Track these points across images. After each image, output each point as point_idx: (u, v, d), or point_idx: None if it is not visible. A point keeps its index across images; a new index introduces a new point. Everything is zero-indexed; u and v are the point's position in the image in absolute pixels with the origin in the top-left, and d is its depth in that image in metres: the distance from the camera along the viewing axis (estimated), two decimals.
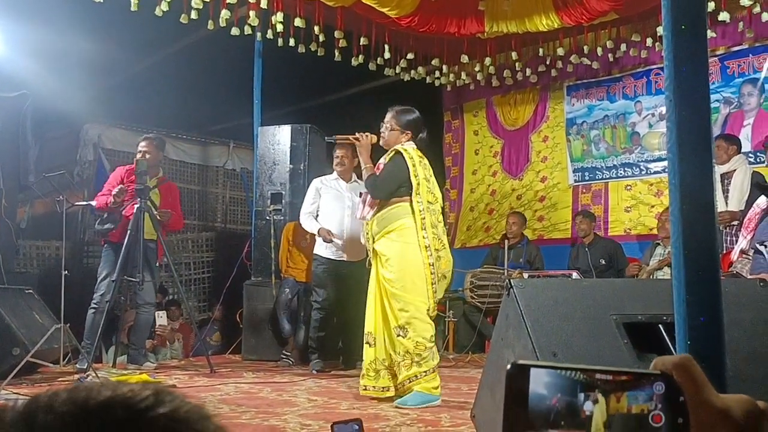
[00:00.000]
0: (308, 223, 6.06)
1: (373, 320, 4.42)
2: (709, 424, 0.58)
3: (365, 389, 4.41)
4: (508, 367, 0.62)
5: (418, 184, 4.34)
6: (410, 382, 4.23)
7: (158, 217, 5.85)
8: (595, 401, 0.59)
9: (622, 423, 0.59)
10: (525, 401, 0.60)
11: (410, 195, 4.38)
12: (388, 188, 4.39)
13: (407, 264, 4.30)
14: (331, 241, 5.90)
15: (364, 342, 4.48)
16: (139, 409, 0.51)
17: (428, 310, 4.31)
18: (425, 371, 4.22)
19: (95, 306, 5.80)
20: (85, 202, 5.80)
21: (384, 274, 4.38)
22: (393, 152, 4.46)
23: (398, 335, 4.27)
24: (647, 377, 0.60)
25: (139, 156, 5.97)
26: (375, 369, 4.37)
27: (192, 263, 8.98)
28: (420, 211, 4.33)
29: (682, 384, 0.59)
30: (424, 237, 4.31)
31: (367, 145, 4.55)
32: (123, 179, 5.97)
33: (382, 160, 4.50)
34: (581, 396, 0.59)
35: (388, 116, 4.53)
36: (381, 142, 4.54)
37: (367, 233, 4.54)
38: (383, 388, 4.35)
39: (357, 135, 4.58)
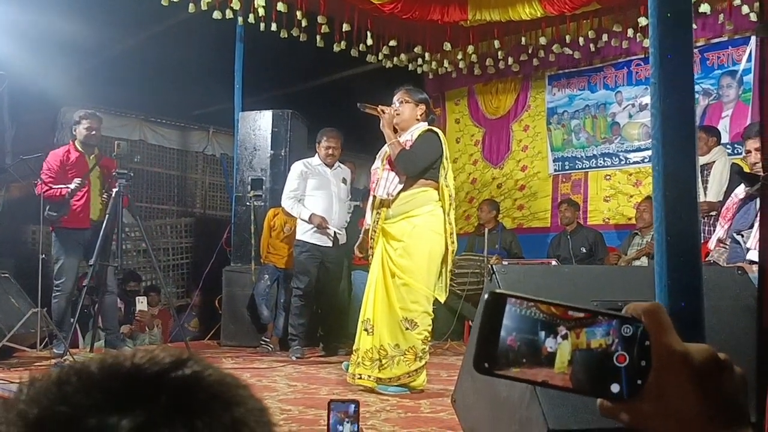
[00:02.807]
0: (296, 208, 5.91)
1: (373, 307, 4.21)
2: (668, 368, 0.62)
3: (360, 378, 4.19)
4: (485, 296, 0.64)
5: (446, 168, 4.26)
6: (408, 377, 4.12)
7: (103, 199, 5.79)
8: (565, 337, 0.63)
9: (584, 358, 0.63)
10: (497, 333, 0.63)
11: (437, 178, 4.25)
12: (422, 164, 4.22)
13: (429, 254, 4.16)
14: (326, 228, 5.84)
15: (362, 329, 4.25)
16: (160, 371, 0.54)
17: (446, 300, 4.27)
18: (423, 365, 4.17)
19: (59, 292, 5.74)
20: (64, 186, 5.72)
21: (397, 260, 4.17)
22: (425, 130, 4.31)
23: (407, 328, 4.11)
24: (618, 320, 0.63)
25: (86, 132, 5.86)
26: (371, 358, 4.17)
27: (170, 249, 8.93)
28: (450, 195, 4.23)
29: (649, 328, 0.63)
30: (449, 224, 4.21)
31: (391, 120, 4.31)
32: (62, 164, 5.81)
33: (408, 137, 4.29)
34: (542, 334, 0.63)
35: (399, 94, 4.39)
36: (395, 121, 4.33)
37: (378, 212, 4.30)
38: (377, 378, 4.16)
39: (383, 108, 4.35)
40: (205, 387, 0.54)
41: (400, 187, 4.22)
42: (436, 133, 4.34)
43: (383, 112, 4.32)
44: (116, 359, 0.54)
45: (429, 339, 4.28)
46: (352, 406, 1.67)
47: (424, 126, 4.36)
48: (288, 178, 6.09)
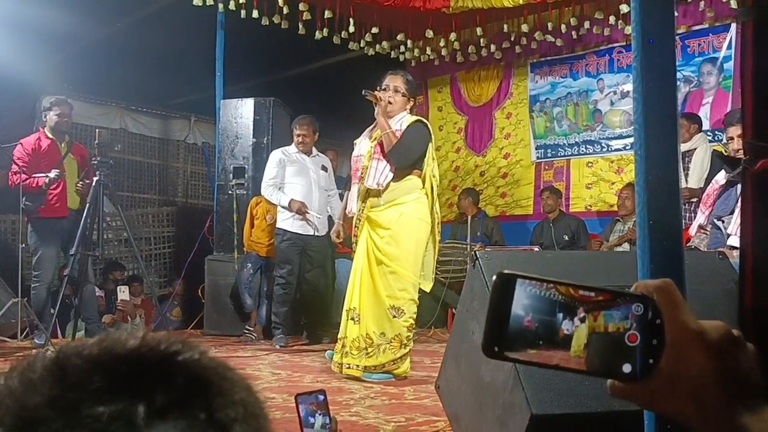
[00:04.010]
0: (275, 195, 5.91)
1: (359, 296, 4.20)
2: (684, 345, 0.60)
3: (348, 368, 4.19)
4: (494, 277, 0.62)
5: (434, 159, 4.26)
6: (393, 364, 4.13)
7: (78, 188, 5.75)
8: (583, 320, 0.61)
9: (600, 341, 0.61)
10: (507, 317, 0.61)
11: (422, 167, 4.24)
12: (414, 156, 4.21)
13: (417, 241, 4.15)
14: (305, 213, 5.82)
15: (347, 318, 4.23)
16: (167, 353, 0.51)
17: (431, 289, 4.25)
18: (407, 352, 4.17)
19: (38, 282, 5.69)
20: (42, 175, 5.65)
21: (384, 248, 4.16)
22: (415, 120, 4.29)
23: (394, 316, 4.11)
24: (626, 297, 0.61)
25: (56, 119, 5.80)
26: (358, 347, 4.16)
27: (152, 238, 8.88)
28: (436, 186, 4.23)
29: (661, 306, 0.61)
30: (436, 213, 4.21)
31: (385, 108, 4.26)
32: (34, 152, 5.73)
33: (397, 126, 4.25)
34: (560, 316, 0.61)
35: (396, 80, 4.32)
36: (381, 109, 4.26)
37: (363, 201, 4.27)
38: (365, 367, 4.16)
39: (380, 95, 4.26)
40: (213, 368, 0.53)
41: (391, 176, 4.20)
42: (425, 124, 4.34)
43: (380, 100, 4.27)
44: (117, 341, 0.51)
45: (414, 326, 4.29)
46: (321, 396, 1.65)
47: (410, 116, 4.35)
48: (267, 166, 6.08)
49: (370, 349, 4.14)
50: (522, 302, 0.61)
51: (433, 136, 4.35)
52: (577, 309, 0.61)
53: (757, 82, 1.33)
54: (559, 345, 0.61)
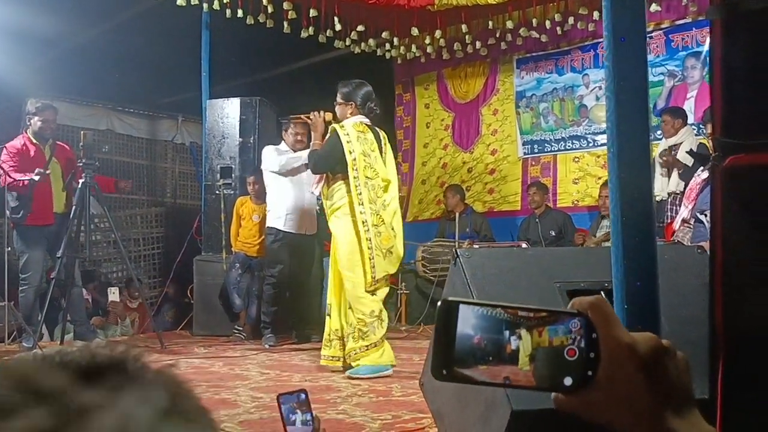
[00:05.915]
0: (290, 159, 5.75)
1: (331, 292, 4.55)
2: (618, 357, 0.64)
3: (324, 358, 4.54)
4: (439, 303, 0.67)
5: (354, 159, 4.38)
6: (356, 353, 4.34)
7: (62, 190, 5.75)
8: (520, 337, 0.65)
9: (545, 355, 0.65)
10: (452, 339, 0.65)
11: (346, 171, 4.43)
12: (324, 163, 4.50)
13: (349, 241, 4.39)
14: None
15: (326, 314, 4.63)
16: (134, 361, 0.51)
17: (366, 285, 4.35)
18: (368, 345, 4.33)
19: (26, 286, 5.68)
20: (27, 178, 5.63)
21: (336, 252, 4.51)
22: (331, 128, 4.55)
23: (348, 308, 4.44)
24: (565, 315, 0.66)
25: (41, 124, 5.80)
26: (330, 339, 4.51)
27: (141, 239, 8.87)
28: (356, 186, 4.38)
29: (595, 321, 0.65)
30: (361, 212, 4.36)
31: (321, 123, 4.64)
32: (21, 156, 5.73)
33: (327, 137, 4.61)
34: (506, 333, 0.65)
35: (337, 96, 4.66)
36: (313, 126, 4.71)
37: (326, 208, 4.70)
38: (332, 357, 4.49)
39: (310, 114, 4.68)
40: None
41: (321, 185, 4.56)
42: (336, 132, 4.48)
43: (310, 119, 4.70)
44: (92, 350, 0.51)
45: (367, 321, 4.32)
46: (302, 395, 1.68)
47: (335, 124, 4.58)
48: (265, 156, 5.90)
49: (345, 339, 4.44)
50: (471, 323, 0.65)
51: (348, 138, 4.40)
52: (521, 326, 0.65)
53: (725, 79, 1.35)
54: (507, 360, 0.65)
